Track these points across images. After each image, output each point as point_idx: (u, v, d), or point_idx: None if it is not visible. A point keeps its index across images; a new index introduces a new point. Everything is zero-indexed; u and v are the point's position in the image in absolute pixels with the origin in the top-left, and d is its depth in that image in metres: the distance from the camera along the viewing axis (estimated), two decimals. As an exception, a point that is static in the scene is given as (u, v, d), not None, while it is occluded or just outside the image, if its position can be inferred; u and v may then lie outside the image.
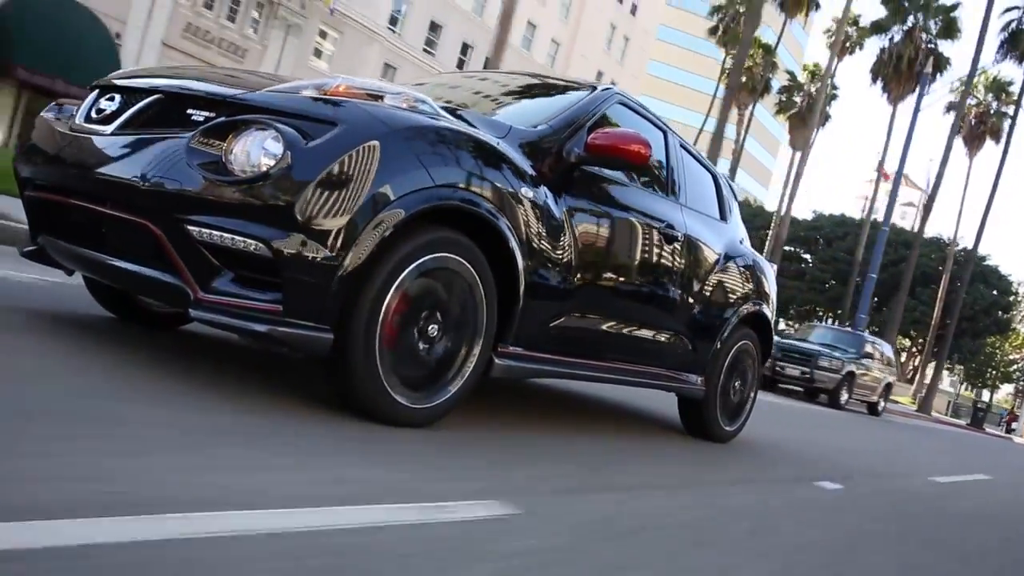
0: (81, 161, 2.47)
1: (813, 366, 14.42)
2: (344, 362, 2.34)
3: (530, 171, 2.87)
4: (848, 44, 40.75)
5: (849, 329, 18.15)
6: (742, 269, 4.45)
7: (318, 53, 31.33)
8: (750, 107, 45.83)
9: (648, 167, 3.63)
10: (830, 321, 59.72)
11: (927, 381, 37.73)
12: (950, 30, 30.23)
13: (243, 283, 2.24)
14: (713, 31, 46.06)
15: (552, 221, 2.91)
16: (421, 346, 2.53)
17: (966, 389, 69.40)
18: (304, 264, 2.19)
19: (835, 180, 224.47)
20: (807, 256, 55.65)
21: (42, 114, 2.87)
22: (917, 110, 21.25)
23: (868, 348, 15.73)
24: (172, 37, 26.52)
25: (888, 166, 44.46)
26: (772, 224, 43.21)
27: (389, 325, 2.39)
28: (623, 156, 3.07)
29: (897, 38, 30.31)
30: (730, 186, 4.78)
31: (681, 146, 4.17)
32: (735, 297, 4.36)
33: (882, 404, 16.45)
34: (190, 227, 2.20)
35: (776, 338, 15.43)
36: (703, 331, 4.12)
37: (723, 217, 4.54)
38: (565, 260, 2.99)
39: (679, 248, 3.81)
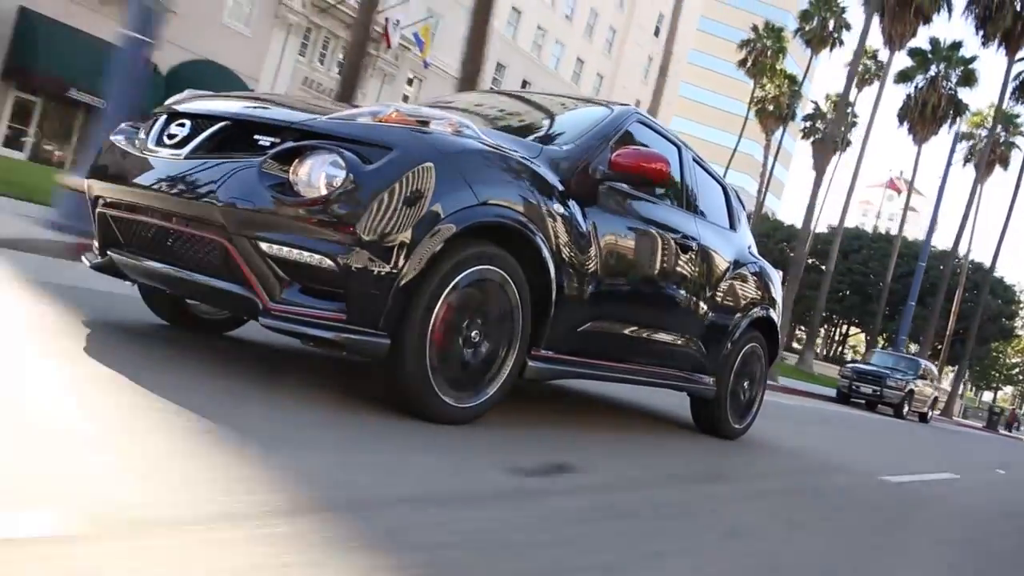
0: (156, 182, 2.63)
1: (883, 385, 18.42)
2: (398, 365, 2.54)
3: (560, 187, 3.07)
4: (867, 76, 44.78)
5: (908, 354, 22.15)
6: (751, 276, 4.68)
7: (405, 98, 35.30)
8: (776, 132, 49.93)
9: (666, 182, 3.78)
10: (845, 328, 63.87)
11: (943, 386, 41.75)
12: (969, 80, 34.32)
13: (309, 293, 2.43)
14: (742, 63, 49.78)
15: (580, 234, 3.12)
16: (465, 350, 2.73)
17: (969, 390, 73.68)
18: (365, 276, 2.40)
19: (837, 186, 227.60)
20: (822, 267, 59.42)
21: (111, 137, 3.04)
22: (949, 164, 25.26)
23: (922, 370, 19.78)
24: (293, 89, 30.42)
25: (924, 210, 48.34)
26: (807, 242, 47.11)
27: (438, 331, 2.59)
28: (644, 174, 3.32)
29: (921, 85, 34.23)
30: (738, 196, 4.98)
31: (694, 160, 4.39)
32: (744, 302, 4.57)
33: (930, 414, 20.49)
34: (261, 243, 2.40)
35: (852, 365, 19.45)
36: (715, 335, 4.35)
37: (732, 226, 4.76)
38: (591, 270, 3.21)
39: (694, 257, 4.03)
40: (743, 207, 4.98)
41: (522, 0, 42.45)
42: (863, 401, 19.23)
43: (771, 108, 49.55)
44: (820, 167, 50.12)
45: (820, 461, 4.92)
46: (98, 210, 2.90)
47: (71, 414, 1.90)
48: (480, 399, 2.83)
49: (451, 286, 2.59)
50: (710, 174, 4.60)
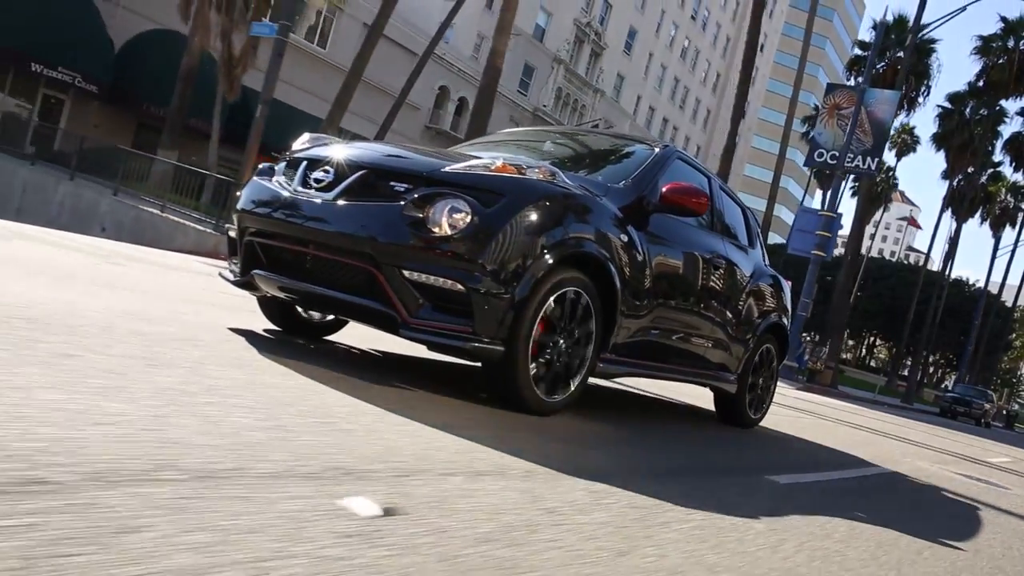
0: (309, 218, 3.21)
1: (970, 407, 32.04)
2: (509, 368, 3.13)
3: (622, 218, 3.66)
4: (905, 148, 58.41)
5: (979, 387, 36.01)
6: (766, 287, 5.40)
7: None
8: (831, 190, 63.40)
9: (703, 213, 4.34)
10: (872, 339, 77.91)
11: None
12: (999, 178, 48.07)
13: (440, 310, 3.01)
14: (805, 135, 63.16)
15: (637, 257, 3.73)
16: (555, 355, 3.31)
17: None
18: (487, 297, 2.98)
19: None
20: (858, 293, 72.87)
21: (255, 178, 3.68)
22: (995, 256, 38.75)
23: (990, 396, 33.61)
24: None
25: (924, 222, 61.28)
26: (858, 277, 60.34)
27: (536, 340, 3.17)
28: (688, 206, 3.97)
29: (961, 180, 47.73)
30: (754, 217, 5.73)
31: (720, 187, 5.09)
32: (761, 310, 5.28)
33: (990, 423, 34.28)
34: (404, 271, 2.99)
35: (948, 394, 33.29)
36: (737, 338, 5.00)
37: (751, 243, 5.48)
38: (646, 287, 3.82)
39: (722, 273, 4.70)
40: (759, 226, 5.78)
41: (653, 98, 55.68)
42: (950, 415, 32.89)
43: (827, 171, 62.83)
44: (865, 217, 63.60)
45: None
46: (246, 238, 3.48)
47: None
48: (565, 394, 3.44)
49: (547, 304, 3.17)
50: (732, 198, 5.36)
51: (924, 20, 26.96)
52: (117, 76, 23.61)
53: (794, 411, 9.66)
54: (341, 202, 3.16)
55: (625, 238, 3.63)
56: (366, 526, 1.53)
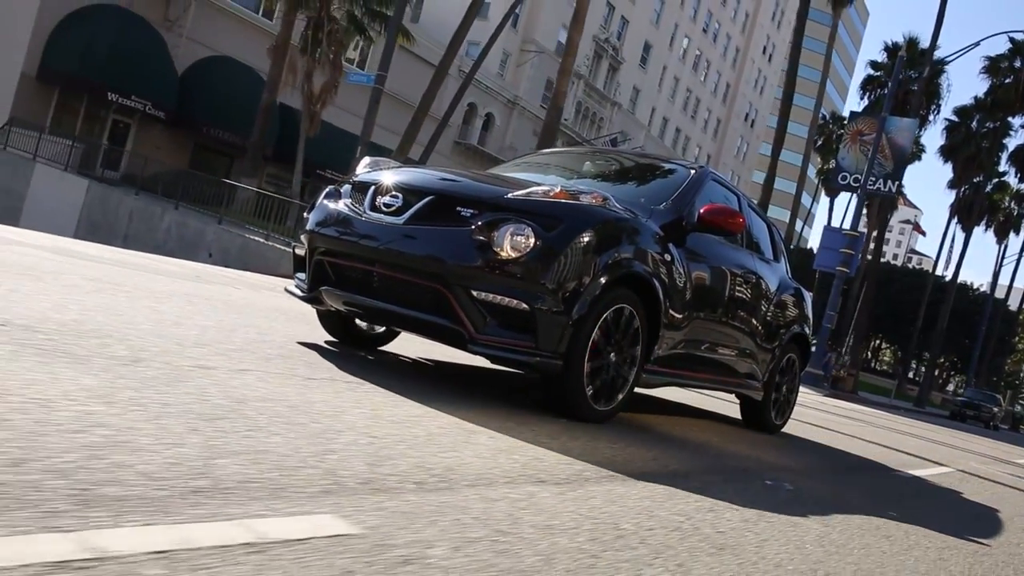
0: (380, 240, 3.44)
1: (979, 410, 33.65)
2: (566, 379, 3.37)
3: (663, 237, 3.87)
4: (911, 157, 59.97)
5: (988, 391, 37.63)
6: (790, 299, 5.64)
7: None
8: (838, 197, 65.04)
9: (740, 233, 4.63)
10: (878, 341, 79.48)
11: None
12: (1004, 189, 49.69)
13: (504, 327, 3.23)
14: (814, 143, 64.75)
15: (678, 274, 3.95)
16: (606, 367, 3.54)
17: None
18: (548, 315, 3.21)
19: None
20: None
21: (323, 200, 3.88)
22: (1000, 264, 40.27)
23: (997, 400, 35.19)
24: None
25: (928, 227, 64.17)
26: (861, 279, 62.01)
27: (590, 354, 3.40)
28: (726, 227, 4.23)
29: (967, 190, 49.29)
30: (779, 232, 6.00)
31: (748, 205, 5.31)
32: (786, 321, 5.55)
33: (998, 426, 35.85)
34: (473, 291, 3.19)
35: (959, 398, 34.98)
36: (764, 348, 5.28)
37: (776, 257, 5.75)
38: (686, 302, 4.06)
39: (752, 287, 4.96)
40: (782, 240, 6.07)
41: (666, 109, 57.25)
42: (960, 418, 34.46)
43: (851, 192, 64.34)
44: (875, 224, 65.20)
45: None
46: (316, 257, 3.70)
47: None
48: (613, 403, 3.67)
49: (600, 320, 3.41)
50: (758, 214, 5.62)
51: (927, 34, 28.63)
52: (179, 101, 25.21)
53: (844, 418, 11.16)
54: (411, 226, 3.37)
55: (668, 257, 3.85)
56: (787, 485, 3.32)
